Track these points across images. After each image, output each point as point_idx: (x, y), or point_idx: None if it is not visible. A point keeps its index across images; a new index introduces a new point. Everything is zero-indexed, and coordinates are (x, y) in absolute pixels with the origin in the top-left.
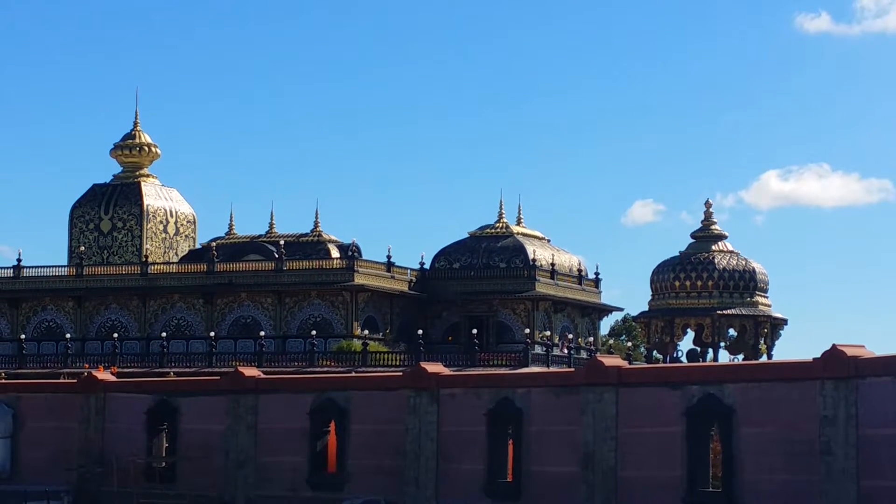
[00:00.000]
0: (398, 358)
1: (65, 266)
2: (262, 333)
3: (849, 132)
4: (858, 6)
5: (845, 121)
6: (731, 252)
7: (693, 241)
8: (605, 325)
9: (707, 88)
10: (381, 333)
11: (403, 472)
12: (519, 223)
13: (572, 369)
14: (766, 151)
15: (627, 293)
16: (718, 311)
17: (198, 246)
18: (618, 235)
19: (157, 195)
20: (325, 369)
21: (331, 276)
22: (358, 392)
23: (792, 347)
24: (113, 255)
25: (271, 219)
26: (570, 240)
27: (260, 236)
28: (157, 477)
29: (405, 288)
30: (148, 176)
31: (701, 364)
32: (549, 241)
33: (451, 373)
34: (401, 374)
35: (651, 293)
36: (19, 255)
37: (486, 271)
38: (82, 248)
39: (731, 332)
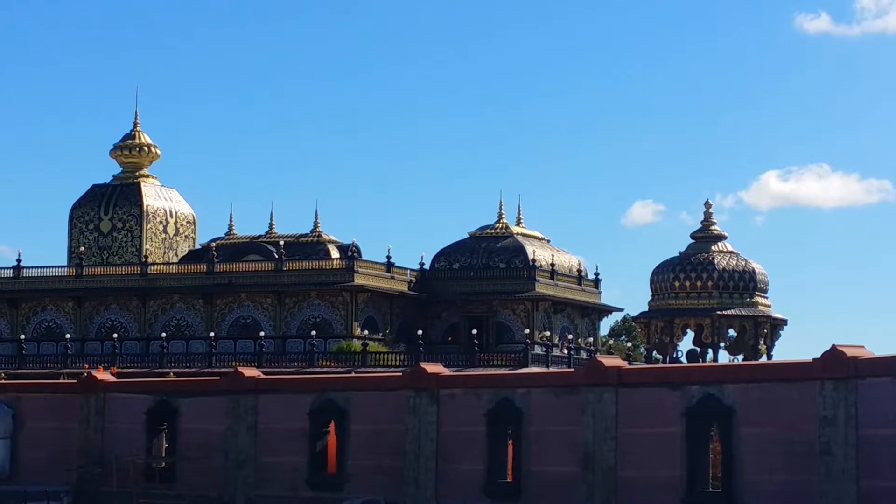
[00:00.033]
0: (398, 358)
1: (65, 266)
2: (262, 334)
3: (849, 132)
4: (858, 6)
5: (845, 121)
6: (731, 252)
7: (693, 241)
8: (605, 325)
9: (707, 88)
10: (380, 334)
11: (403, 472)
12: (519, 223)
13: (572, 370)
14: (766, 152)
15: (627, 293)
16: (718, 312)
17: (198, 246)
18: (618, 236)
19: (156, 195)
20: (325, 370)
21: (331, 276)
22: (358, 392)
23: (792, 348)
24: (113, 256)
25: (271, 219)
26: (570, 240)
27: (260, 236)
28: (157, 477)
29: (405, 288)
30: (148, 176)
31: (701, 364)
32: (548, 241)
33: (451, 373)
34: (400, 374)
35: (651, 293)
36: (19, 255)
37: (485, 272)
38: (82, 249)
39: (731, 332)
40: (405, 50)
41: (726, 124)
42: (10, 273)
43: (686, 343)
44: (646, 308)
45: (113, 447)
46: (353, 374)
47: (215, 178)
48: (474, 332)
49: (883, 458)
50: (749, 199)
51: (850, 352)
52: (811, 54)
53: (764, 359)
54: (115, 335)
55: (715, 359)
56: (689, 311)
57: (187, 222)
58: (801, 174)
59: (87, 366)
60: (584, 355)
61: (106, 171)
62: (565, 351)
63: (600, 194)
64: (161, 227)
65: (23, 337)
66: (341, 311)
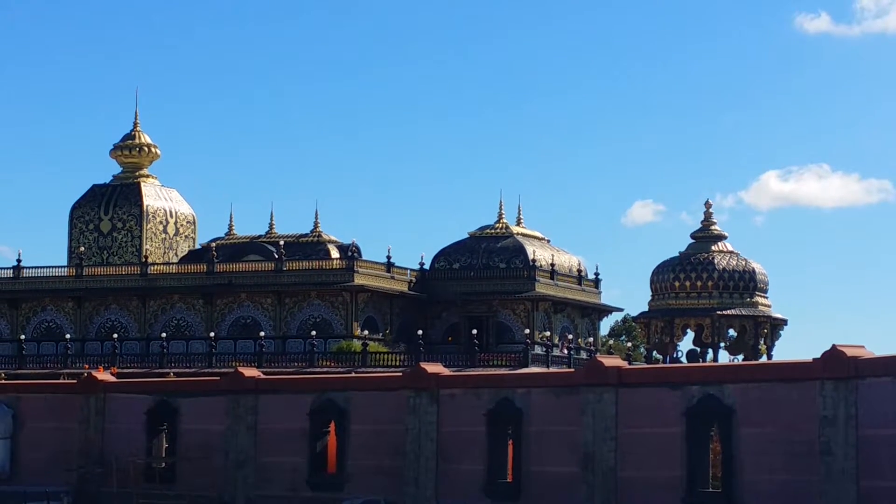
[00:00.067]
0: (398, 358)
1: (65, 266)
2: (262, 334)
3: (849, 132)
4: (858, 6)
5: (845, 121)
6: (731, 252)
7: (693, 241)
8: (605, 325)
9: (707, 88)
10: (380, 334)
11: (403, 472)
12: (519, 223)
13: (572, 370)
14: (765, 152)
15: (627, 293)
16: (718, 312)
17: (197, 246)
18: (618, 236)
19: (156, 195)
20: (325, 370)
21: (331, 276)
22: (358, 392)
23: (792, 348)
24: (113, 256)
25: (271, 219)
26: (570, 240)
27: (260, 237)
28: (157, 477)
29: (405, 288)
30: (148, 176)
31: (701, 364)
32: (548, 241)
33: (451, 373)
34: (400, 374)
35: (651, 293)
36: (19, 255)
37: (485, 272)
38: (82, 249)
39: (731, 332)
40: (405, 50)
41: (726, 124)
42: (10, 273)
43: (686, 343)
44: (646, 308)
45: (113, 447)
46: (353, 375)
47: (215, 178)
48: (474, 332)
49: (883, 458)
50: (749, 199)
51: (850, 352)
52: (811, 54)
53: (764, 359)
54: (115, 335)
55: (715, 359)
56: (689, 311)
57: (187, 222)
58: (801, 174)
59: (87, 366)
60: (584, 355)
61: (106, 171)
62: (565, 351)
63: (600, 194)
64: (161, 227)
65: (23, 337)
66: (341, 311)
